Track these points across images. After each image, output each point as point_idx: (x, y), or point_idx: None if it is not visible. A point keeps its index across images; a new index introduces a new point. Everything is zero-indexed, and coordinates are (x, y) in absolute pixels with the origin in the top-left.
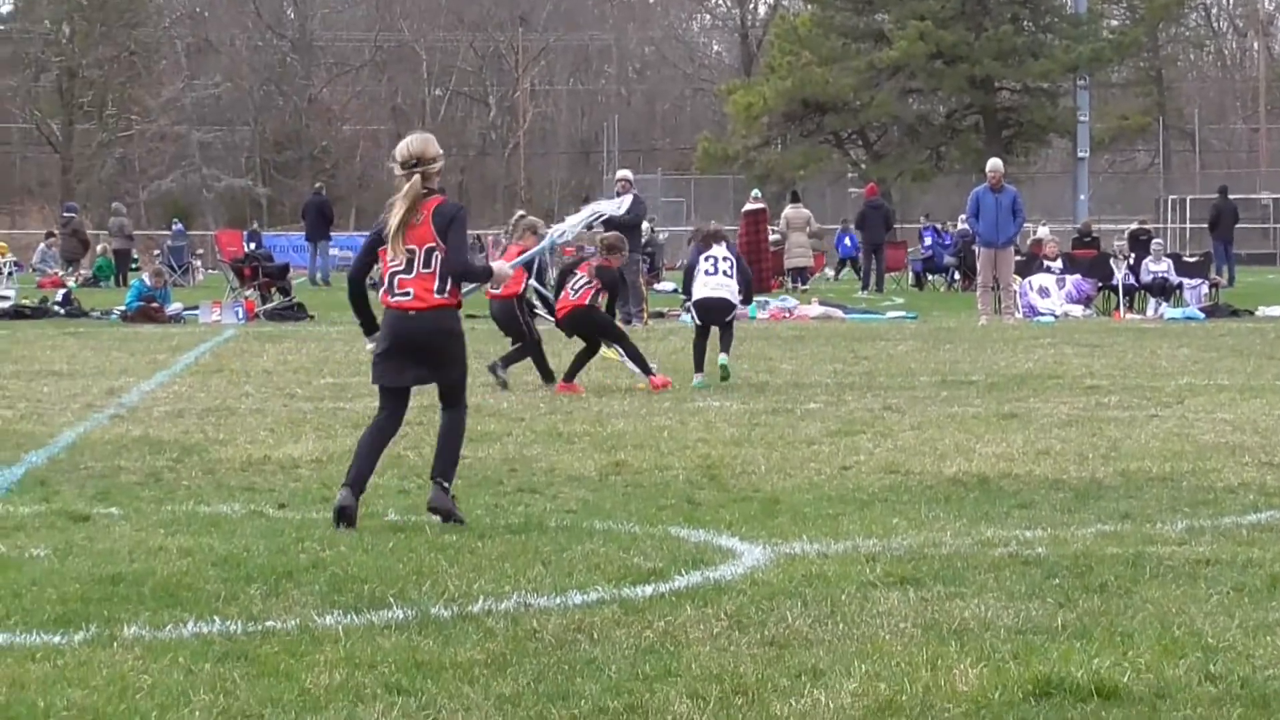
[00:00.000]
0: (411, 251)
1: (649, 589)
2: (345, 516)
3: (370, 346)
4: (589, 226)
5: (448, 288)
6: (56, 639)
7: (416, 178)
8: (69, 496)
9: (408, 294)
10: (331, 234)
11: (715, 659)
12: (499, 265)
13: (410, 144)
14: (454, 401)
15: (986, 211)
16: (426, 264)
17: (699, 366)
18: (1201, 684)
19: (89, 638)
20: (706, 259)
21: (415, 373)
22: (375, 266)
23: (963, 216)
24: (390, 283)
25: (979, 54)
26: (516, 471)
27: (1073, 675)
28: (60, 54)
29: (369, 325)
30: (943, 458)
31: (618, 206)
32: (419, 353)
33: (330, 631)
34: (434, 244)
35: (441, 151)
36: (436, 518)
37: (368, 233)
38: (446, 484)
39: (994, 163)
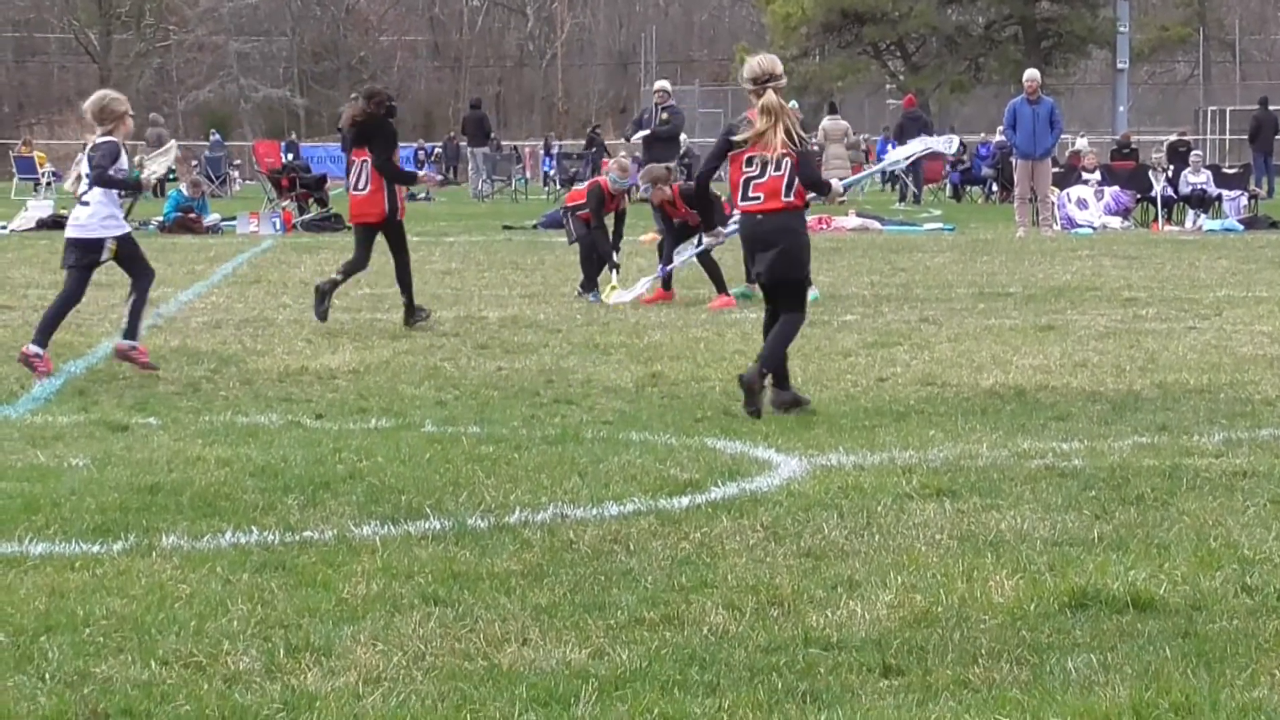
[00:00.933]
0: (764, 159)
1: (685, 500)
2: (744, 384)
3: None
4: (915, 161)
5: (794, 191)
6: (95, 548)
7: (770, 91)
8: (107, 406)
9: (759, 198)
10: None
11: (751, 570)
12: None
13: (760, 62)
14: (793, 304)
15: (1024, 123)
16: (777, 168)
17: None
18: (1238, 595)
19: (127, 547)
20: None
21: (765, 270)
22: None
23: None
24: (744, 188)
25: None
26: (553, 383)
27: (1109, 587)
28: None
29: (709, 221)
30: (979, 370)
31: (949, 144)
32: (766, 251)
33: (367, 542)
34: (785, 152)
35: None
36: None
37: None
38: (765, 370)
39: (1030, 73)
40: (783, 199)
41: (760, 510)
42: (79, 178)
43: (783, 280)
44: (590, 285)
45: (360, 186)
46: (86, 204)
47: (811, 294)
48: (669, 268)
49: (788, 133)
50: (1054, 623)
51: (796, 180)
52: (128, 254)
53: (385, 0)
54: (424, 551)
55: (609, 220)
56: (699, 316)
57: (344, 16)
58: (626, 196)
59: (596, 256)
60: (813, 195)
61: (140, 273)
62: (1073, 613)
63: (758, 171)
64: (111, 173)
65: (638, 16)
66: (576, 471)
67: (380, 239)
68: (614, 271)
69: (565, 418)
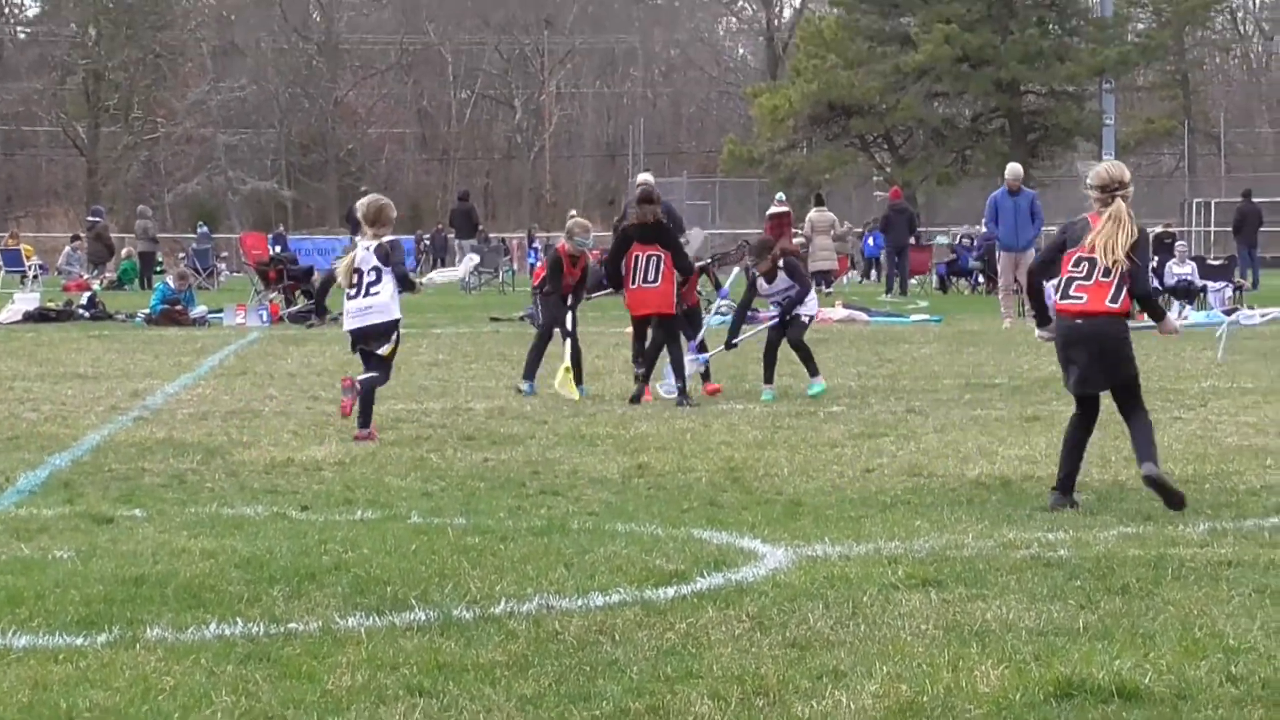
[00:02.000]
0: (1092, 261)
1: (671, 591)
2: (1152, 483)
3: (1041, 335)
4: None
5: (1120, 299)
6: (79, 640)
7: (1119, 200)
8: (93, 498)
9: (1081, 298)
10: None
11: (737, 660)
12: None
13: (1110, 170)
14: (1133, 402)
15: (1005, 215)
16: (1106, 274)
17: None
18: (1223, 685)
19: (112, 639)
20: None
21: (1078, 378)
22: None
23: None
24: (1067, 286)
25: (1005, 57)
26: (539, 474)
27: (1094, 676)
28: (86, 56)
29: (1044, 318)
30: (965, 460)
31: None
32: (1081, 354)
33: (353, 633)
34: (1121, 259)
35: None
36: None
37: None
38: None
39: (1012, 168)
40: (1106, 304)
41: (746, 600)
42: (357, 271)
43: (1107, 385)
44: (530, 374)
45: (651, 279)
46: (376, 293)
47: (766, 394)
48: (705, 356)
49: (1131, 245)
50: (1039, 712)
51: (1124, 290)
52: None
53: (373, 93)
54: (409, 643)
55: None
56: (684, 408)
57: (332, 109)
58: (585, 261)
59: (544, 344)
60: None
61: (383, 365)
62: (1058, 702)
63: (1084, 273)
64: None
65: (625, 109)
66: (562, 562)
67: None
68: (566, 343)
69: (551, 509)
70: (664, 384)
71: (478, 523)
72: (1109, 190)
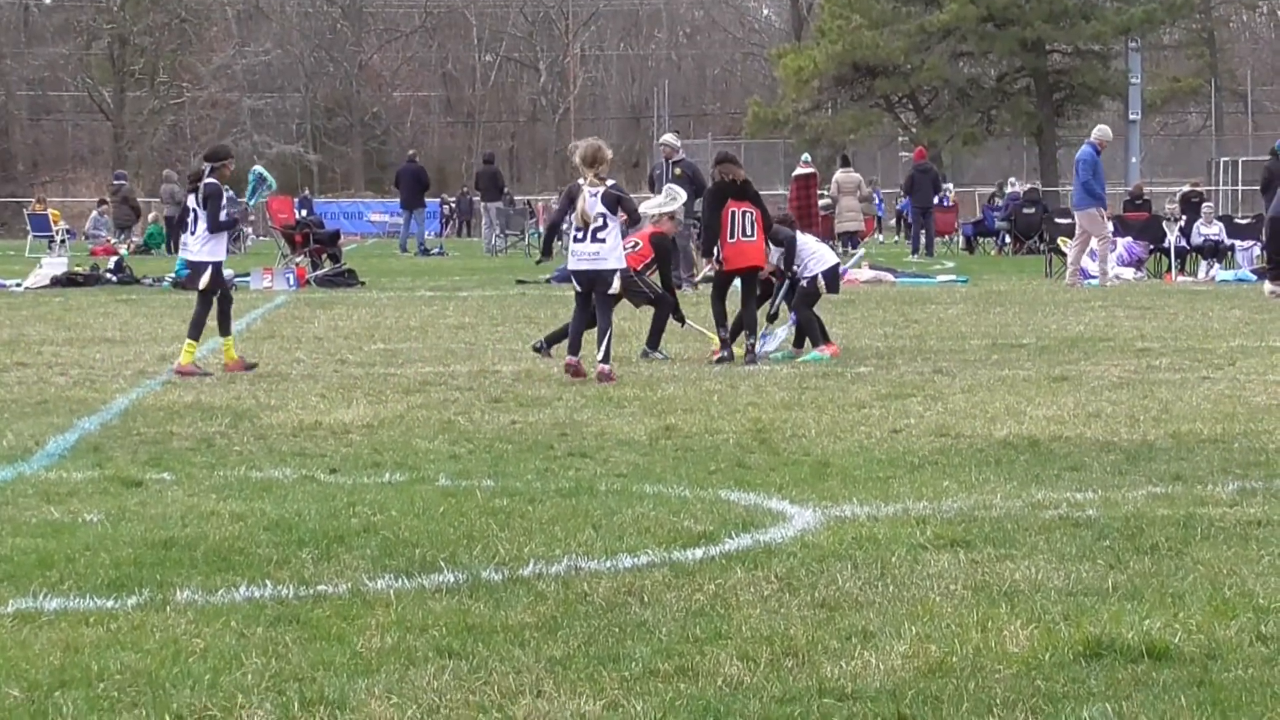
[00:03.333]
0: None
1: (699, 552)
2: None
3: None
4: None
5: None
6: (110, 603)
7: None
8: (122, 462)
9: None
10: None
11: (766, 621)
12: None
13: None
14: None
15: (1100, 172)
16: None
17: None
18: (1253, 644)
19: (142, 602)
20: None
21: None
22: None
23: (1013, 180)
24: None
25: (1030, 16)
26: (567, 436)
27: (1123, 636)
28: (112, 21)
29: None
30: (993, 420)
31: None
32: None
33: (382, 595)
34: None
35: None
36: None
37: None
38: None
39: (1103, 128)
40: None
41: (774, 562)
42: (585, 215)
43: None
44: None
45: (749, 234)
46: (603, 239)
47: (816, 354)
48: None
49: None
50: (1069, 672)
51: None
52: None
53: (398, 56)
54: (438, 605)
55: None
56: (712, 369)
57: (357, 73)
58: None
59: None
60: None
61: (607, 306)
62: (1087, 662)
63: None
64: None
65: (650, 71)
66: (590, 524)
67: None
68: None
69: (579, 471)
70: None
71: (506, 485)
72: None
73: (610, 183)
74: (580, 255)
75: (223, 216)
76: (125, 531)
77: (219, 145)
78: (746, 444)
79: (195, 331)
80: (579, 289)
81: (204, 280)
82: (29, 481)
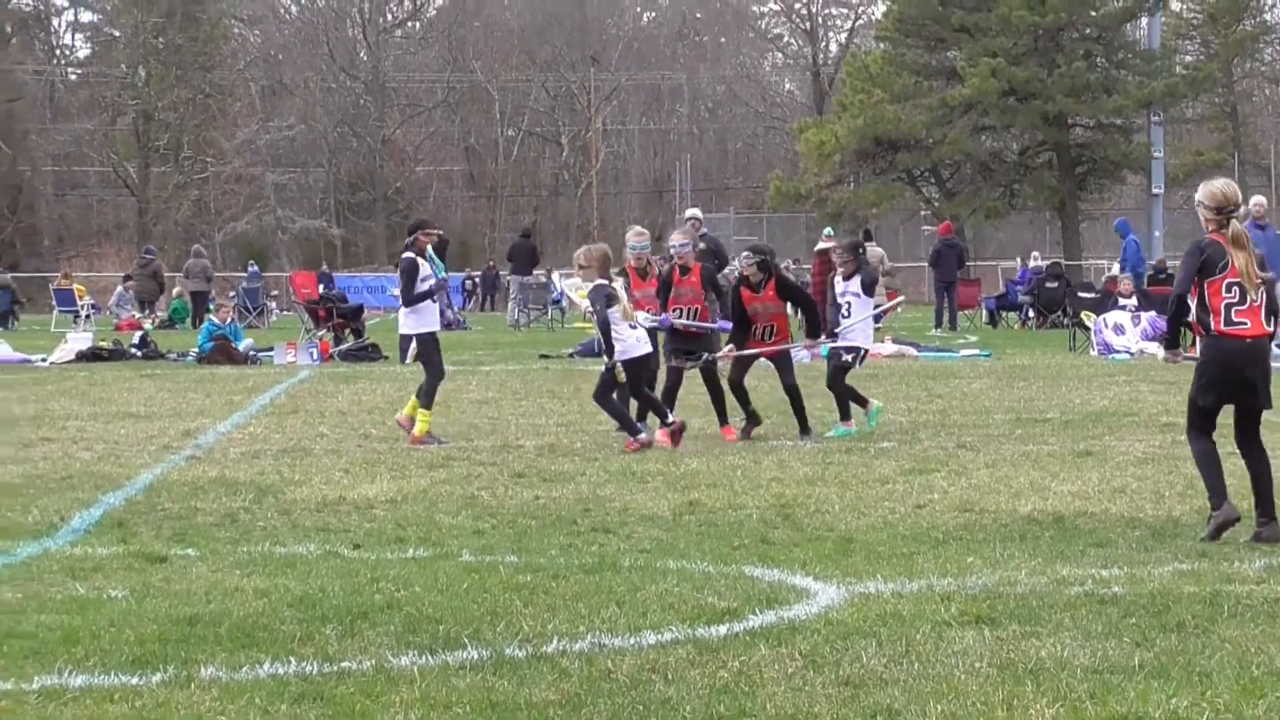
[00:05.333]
0: (1244, 286)
1: (723, 628)
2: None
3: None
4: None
5: (1273, 320)
6: (134, 680)
7: (1234, 222)
8: (146, 538)
9: (1245, 324)
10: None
11: (790, 699)
12: None
13: (1225, 190)
14: (1257, 429)
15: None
16: (1257, 296)
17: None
18: None
19: (166, 679)
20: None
21: (1252, 396)
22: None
23: (1035, 254)
24: (1227, 313)
25: (1052, 90)
26: (590, 511)
27: (1150, 715)
28: (137, 97)
29: (1175, 341)
30: (1018, 496)
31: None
32: (1250, 375)
33: (405, 672)
34: (1259, 281)
35: None
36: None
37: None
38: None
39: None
40: (1265, 326)
41: (798, 638)
42: (628, 311)
43: (1259, 404)
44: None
45: (769, 336)
46: (634, 328)
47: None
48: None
49: (1260, 263)
50: None
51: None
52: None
53: (421, 131)
54: (462, 681)
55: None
56: (735, 444)
57: (380, 147)
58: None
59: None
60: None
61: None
62: None
63: (1237, 298)
64: None
65: (672, 145)
66: (614, 600)
67: None
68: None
69: (603, 546)
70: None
71: (529, 561)
72: (1224, 211)
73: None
74: (642, 340)
75: (420, 288)
76: (150, 607)
77: (419, 218)
78: (770, 519)
79: (427, 401)
80: (635, 372)
81: (409, 354)
82: (54, 557)
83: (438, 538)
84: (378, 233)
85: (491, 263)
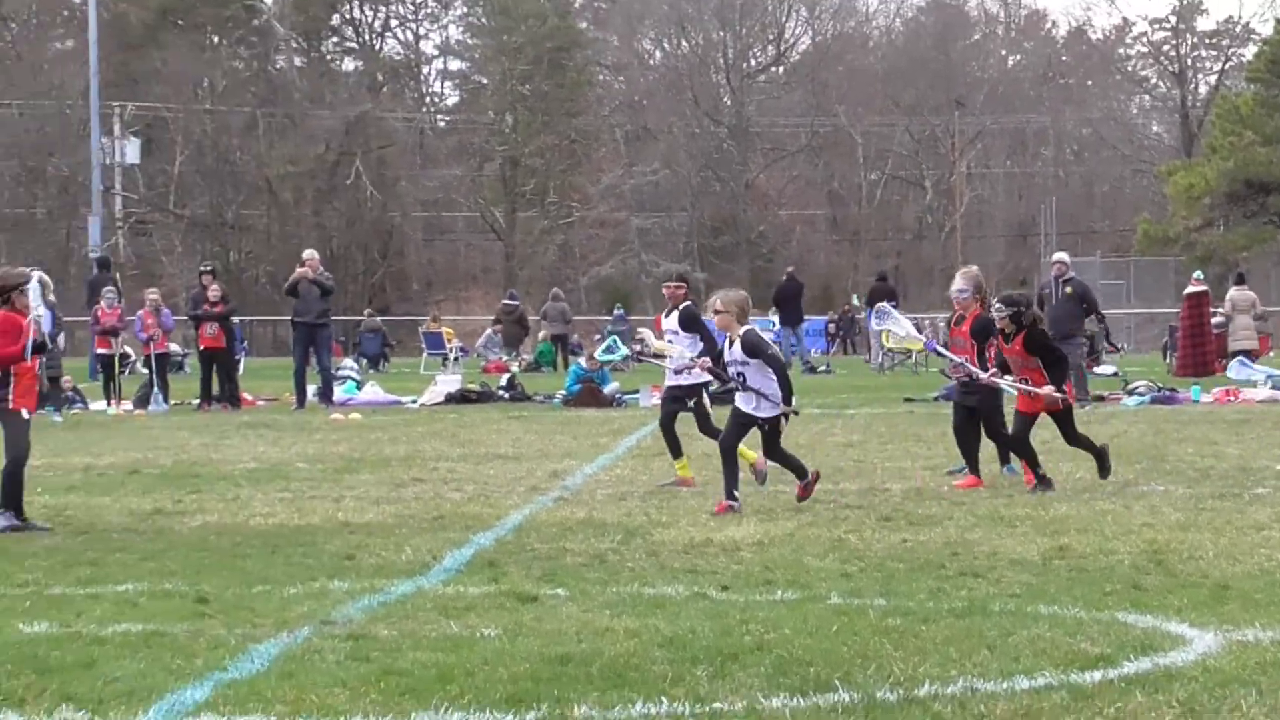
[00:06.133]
0: None
1: (1097, 675)
2: None
3: None
4: None
5: None
6: (508, 717)
7: None
8: (517, 577)
9: None
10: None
11: None
12: None
13: None
14: None
15: None
16: None
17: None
18: None
19: (540, 716)
20: None
21: None
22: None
23: None
24: None
25: None
26: (958, 555)
27: None
28: (504, 143)
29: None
30: None
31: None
32: None
33: (777, 714)
34: None
35: None
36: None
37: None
38: None
39: None
40: None
41: (1175, 686)
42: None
43: None
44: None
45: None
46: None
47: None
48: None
49: None
50: None
51: None
52: None
53: (783, 175)
54: None
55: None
56: (1105, 489)
57: (743, 191)
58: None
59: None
60: None
61: None
62: None
63: None
64: None
65: (1037, 188)
66: (985, 644)
67: None
68: None
69: (972, 590)
70: None
71: (898, 604)
72: None
73: None
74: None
75: None
76: (522, 646)
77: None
78: (1142, 565)
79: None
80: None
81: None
82: (427, 595)
83: (805, 580)
84: (740, 276)
85: (848, 306)
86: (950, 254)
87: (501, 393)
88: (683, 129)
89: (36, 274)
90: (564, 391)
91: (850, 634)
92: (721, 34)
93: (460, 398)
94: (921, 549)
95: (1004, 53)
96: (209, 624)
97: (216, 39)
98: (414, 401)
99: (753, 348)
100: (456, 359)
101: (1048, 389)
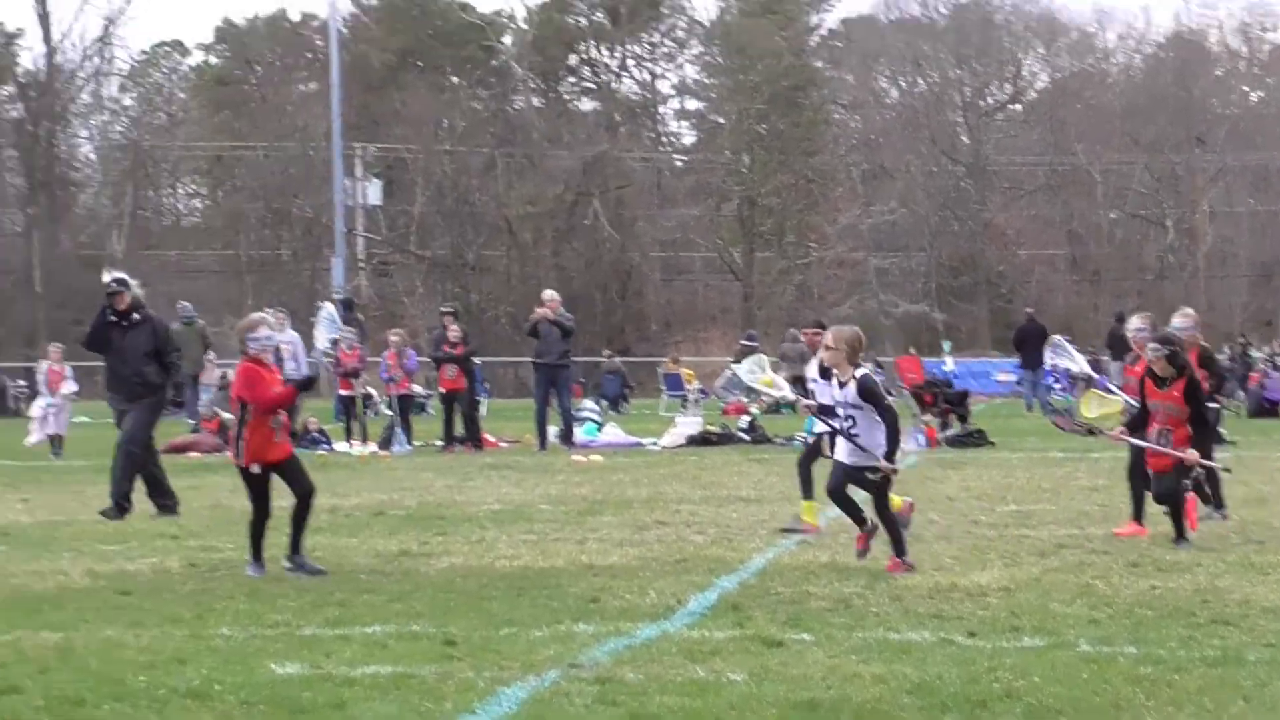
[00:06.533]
0: None
1: None
2: None
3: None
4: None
5: None
6: None
7: None
8: (761, 621)
9: None
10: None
11: None
12: None
13: None
14: None
15: None
16: None
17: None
18: None
19: None
20: None
21: None
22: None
23: None
24: None
25: None
26: (1209, 603)
27: None
28: (741, 183)
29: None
30: None
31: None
32: None
33: None
34: None
35: None
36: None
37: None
38: None
39: None
40: None
41: None
42: None
43: None
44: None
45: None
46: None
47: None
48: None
49: None
50: None
51: None
52: None
53: (1022, 214)
54: None
55: None
56: None
57: (981, 230)
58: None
59: None
60: None
61: None
62: None
63: None
64: None
65: None
66: (1241, 695)
67: None
68: None
69: (1224, 639)
70: None
71: (1149, 652)
72: None
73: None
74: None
75: None
76: (769, 692)
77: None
78: None
79: None
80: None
81: None
82: (673, 639)
83: (1053, 626)
84: (980, 316)
85: (1093, 347)
86: (1193, 295)
87: (742, 434)
88: (920, 167)
89: (327, 306)
90: (804, 434)
91: (1101, 682)
92: (958, 71)
93: (701, 440)
94: (1171, 595)
95: (1246, 88)
96: (457, 666)
97: (455, 80)
98: (654, 443)
99: (869, 393)
100: (696, 400)
101: (1192, 453)
